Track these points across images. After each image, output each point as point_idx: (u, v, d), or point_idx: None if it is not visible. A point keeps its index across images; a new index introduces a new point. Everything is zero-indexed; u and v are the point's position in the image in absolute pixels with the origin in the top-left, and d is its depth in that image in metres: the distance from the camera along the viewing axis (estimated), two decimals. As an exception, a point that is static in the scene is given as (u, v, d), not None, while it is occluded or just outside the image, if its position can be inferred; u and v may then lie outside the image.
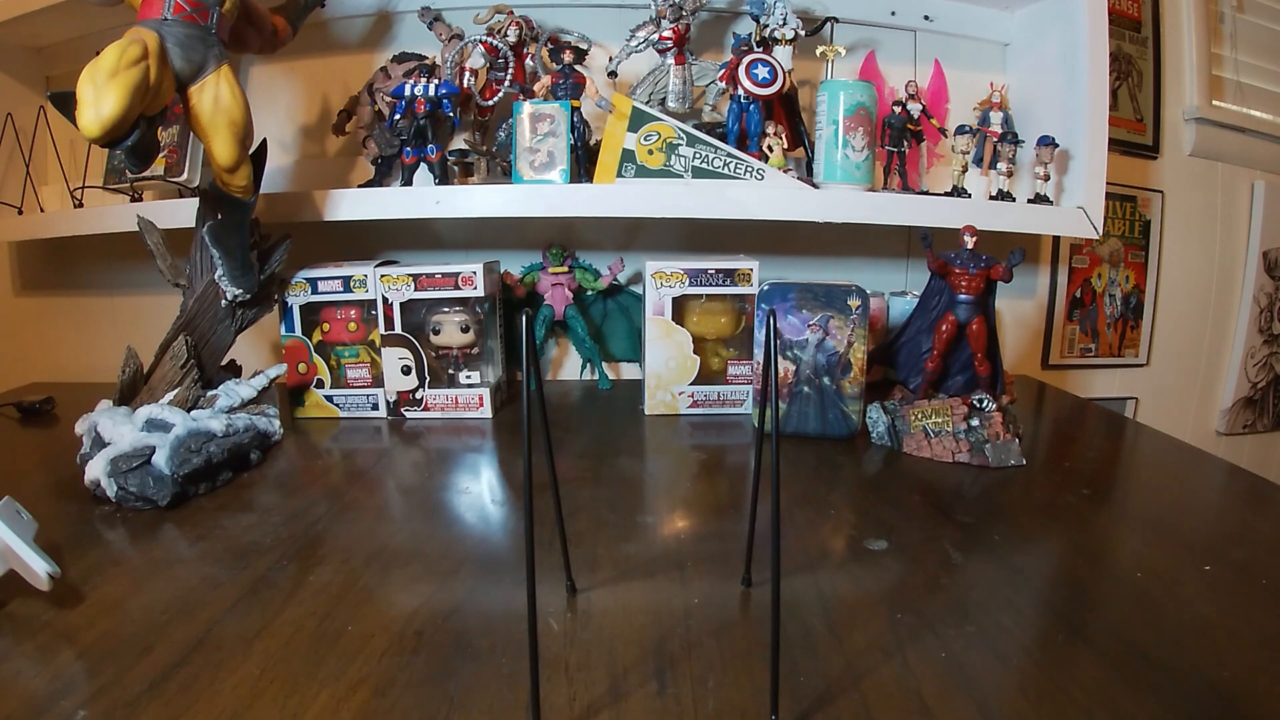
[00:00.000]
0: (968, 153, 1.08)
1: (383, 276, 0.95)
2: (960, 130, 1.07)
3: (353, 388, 0.99)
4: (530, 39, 1.05)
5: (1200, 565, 0.57)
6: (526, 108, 0.98)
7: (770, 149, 1.01)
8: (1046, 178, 1.06)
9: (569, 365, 1.24)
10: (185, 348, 0.81)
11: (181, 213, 0.95)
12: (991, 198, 1.09)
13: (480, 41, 1.02)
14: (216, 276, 0.85)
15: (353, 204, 1.01)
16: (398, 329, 0.96)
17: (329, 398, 0.99)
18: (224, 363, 0.90)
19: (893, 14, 1.17)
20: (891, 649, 0.46)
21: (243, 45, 0.88)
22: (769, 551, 0.38)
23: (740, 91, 0.99)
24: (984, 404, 0.81)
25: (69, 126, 0.74)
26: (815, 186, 1.03)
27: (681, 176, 0.98)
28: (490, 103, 1.03)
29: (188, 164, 1.05)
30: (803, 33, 1.03)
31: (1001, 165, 1.07)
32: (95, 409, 0.76)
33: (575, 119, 0.99)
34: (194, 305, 0.85)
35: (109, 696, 0.41)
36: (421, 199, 1.00)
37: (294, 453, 0.86)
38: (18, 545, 0.50)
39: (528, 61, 1.06)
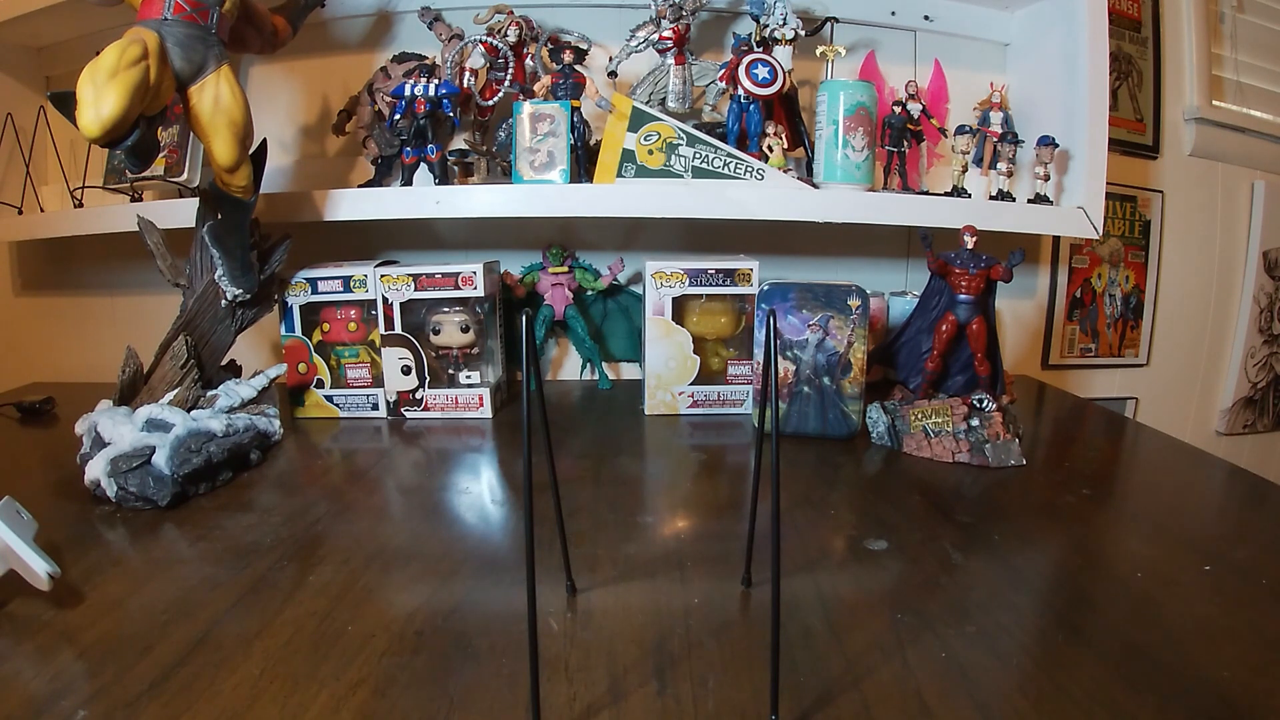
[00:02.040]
0: (968, 153, 1.08)
1: (383, 276, 0.95)
2: (960, 130, 1.07)
3: (353, 388, 0.99)
4: (530, 39, 1.05)
5: (1200, 565, 0.57)
6: (526, 108, 0.98)
7: (770, 149, 1.01)
8: (1046, 178, 1.06)
9: (569, 365, 1.24)
10: (185, 348, 0.81)
11: (181, 213, 0.95)
12: (991, 198, 1.09)
13: (480, 41, 1.01)
14: (216, 276, 0.85)
15: (353, 204, 1.01)
16: (398, 329, 0.96)
17: (329, 398, 0.99)
18: (224, 363, 0.90)
19: (893, 14, 1.17)
20: (891, 649, 0.46)
21: (243, 45, 0.88)
22: (769, 551, 0.38)
23: (740, 91, 0.99)
24: (984, 404, 0.81)
25: (69, 126, 0.74)
26: (815, 186, 1.03)
27: (681, 176, 0.98)
28: (490, 103, 1.03)
29: (188, 164, 1.05)
30: (803, 33, 1.03)
31: (1001, 165, 1.07)
32: (95, 409, 0.76)
33: (575, 119, 0.99)
34: (194, 305, 0.85)
35: (109, 696, 0.41)
36: (421, 199, 1.00)
37: (294, 453, 0.86)
38: (18, 545, 0.50)
39: (528, 61, 1.06)
